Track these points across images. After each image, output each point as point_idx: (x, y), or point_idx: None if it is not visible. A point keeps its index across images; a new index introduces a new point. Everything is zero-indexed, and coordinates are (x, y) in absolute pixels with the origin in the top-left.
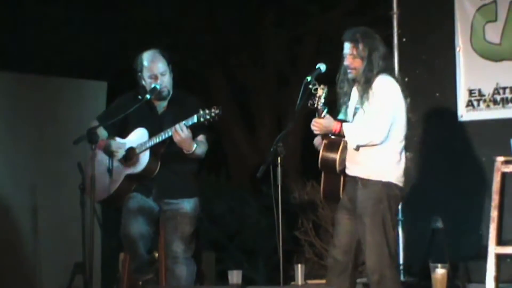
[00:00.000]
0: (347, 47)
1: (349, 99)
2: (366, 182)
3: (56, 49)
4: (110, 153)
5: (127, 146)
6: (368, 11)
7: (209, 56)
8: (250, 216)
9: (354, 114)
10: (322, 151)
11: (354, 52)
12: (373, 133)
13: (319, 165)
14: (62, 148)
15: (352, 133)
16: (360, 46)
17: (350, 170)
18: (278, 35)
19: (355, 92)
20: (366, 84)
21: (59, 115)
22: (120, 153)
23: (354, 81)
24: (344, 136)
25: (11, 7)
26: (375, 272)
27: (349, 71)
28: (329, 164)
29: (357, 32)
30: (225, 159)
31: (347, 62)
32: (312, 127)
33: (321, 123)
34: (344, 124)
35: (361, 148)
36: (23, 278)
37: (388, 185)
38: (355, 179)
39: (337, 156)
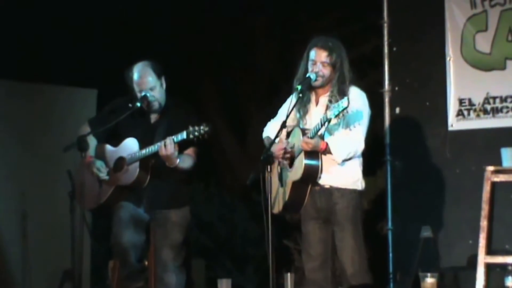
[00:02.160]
0: (322, 54)
1: (306, 107)
2: (343, 191)
3: (46, 57)
4: (93, 173)
5: (118, 155)
6: (359, 20)
7: (199, 64)
8: (239, 224)
9: (323, 123)
10: (305, 159)
11: (328, 60)
12: (357, 146)
13: (301, 176)
14: (51, 155)
15: (339, 149)
16: (334, 55)
17: (324, 180)
18: (269, 43)
19: (313, 99)
20: (341, 96)
21: (49, 123)
22: (102, 176)
23: (312, 88)
24: (328, 153)
25: (1, 14)
26: (356, 275)
27: (316, 78)
28: (312, 174)
29: (329, 41)
30: (215, 167)
31: (317, 69)
32: (302, 147)
33: (312, 143)
34: (329, 141)
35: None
36: (12, 285)
37: (361, 194)
38: (328, 189)
39: (319, 163)
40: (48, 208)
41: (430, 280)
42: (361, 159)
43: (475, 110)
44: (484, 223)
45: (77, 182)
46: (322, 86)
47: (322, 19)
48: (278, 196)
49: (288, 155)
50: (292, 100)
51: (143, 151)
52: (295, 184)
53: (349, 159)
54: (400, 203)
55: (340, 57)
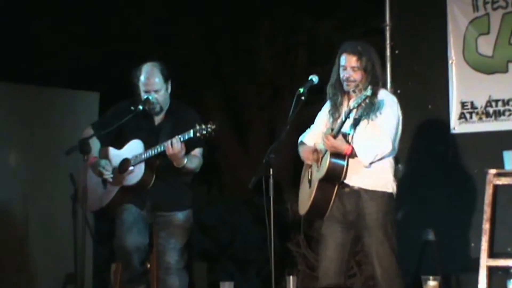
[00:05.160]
0: (351, 59)
1: (339, 111)
2: (372, 194)
3: (49, 59)
4: (97, 172)
5: (122, 157)
6: (361, 23)
7: (201, 67)
8: (242, 227)
9: (355, 125)
10: (331, 157)
11: (358, 65)
12: (384, 147)
13: (325, 173)
14: (54, 158)
15: (365, 152)
16: (364, 59)
17: (352, 181)
18: (271, 46)
19: (345, 104)
20: (373, 97)
21: (52, 125)
22: (107, 174)
23: (346, 93)
24: (354, 157)
25: (3, 18)
26: (383, 280)
27: (347, 83)
28: (337, 172)
29: (358, 45)
30: (218, 170)
31: (348, 74)
32: (324, 142)
33: (331, 142)
34: (355, 145)
35: None
36: None
37: (391, 197)
38: (357, 191)
39: (345, 163)
40: (50, 211)
41: (432, 283)
42: (391, 160)
43: (477, 113)
44: (486, 226)
45: (79, 185)
46: (355, 90)
47: (325, 22)
48: (305, 198)
49: (316, 156)
50: (326, 106)
51: (149, 151)
52: (320, 183)
53: (377, 160)
54: (402, 206)
55: (371, 60)
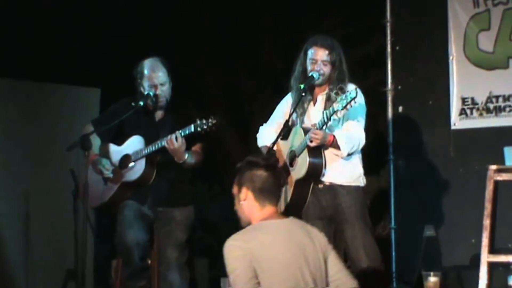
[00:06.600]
0: (323, 53)
1: (303, 106)
2: (348, 188)
3: (49, 55)
4: (98, 170)
5: (123, 153)
6: (362, 20)
7: (203, 63)
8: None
9: (329, 117)
10: (310, 157)
11: (329, 59)
12: (360, 140)
13: (305, 173)
14: (55, 154)
15: (346, 142)
16: (334, 54)
17: (328, 177)
18: (273, 43)
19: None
20: (341, 92)
21: (52, 122)
22: (107, 174)
23: (313, 87)
24: (333, 147)
25: (3, 14)
26: (371, 268)
27: (317, 76)
28: (316, 171)
29: (328, 40)
30: (219, 166)
31: (318, 67)
32: (313, 138)
33: (321, 135)
34: (336, 134)
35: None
36: (15, 284)
37: (364, 190)
38: (331, 187)
39: (323, 161)
40: (51, 208)
41: (433, 279)
42: (360, 155)
43: (478, 109)
44: (487, 222)
45: (80, 181)
46: (321, 84)
47: (326, 18)
48: None
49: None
50: (294, 99)
51: (150, 147)
52: (298, 182)
53: (351, 153)
54: (403, 202)
55: (339, 55)
